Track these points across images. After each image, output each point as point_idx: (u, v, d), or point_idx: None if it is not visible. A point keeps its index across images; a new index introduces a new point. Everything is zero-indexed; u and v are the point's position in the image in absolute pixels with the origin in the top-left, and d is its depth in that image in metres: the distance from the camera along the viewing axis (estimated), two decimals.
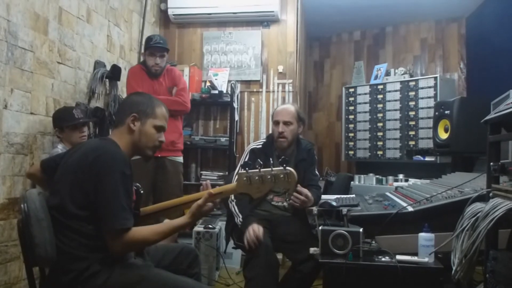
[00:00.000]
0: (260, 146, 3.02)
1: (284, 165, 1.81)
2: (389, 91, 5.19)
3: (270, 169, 1.82)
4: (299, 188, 2.69)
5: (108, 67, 4.00)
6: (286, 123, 2.92)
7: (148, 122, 1.99)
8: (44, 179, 2.10)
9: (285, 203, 3.01)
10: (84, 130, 3.15)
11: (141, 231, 1.78)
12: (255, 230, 2.59)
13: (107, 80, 4.00)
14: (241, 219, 2.73)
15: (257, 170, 1.83)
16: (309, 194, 2.73)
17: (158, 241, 1.83)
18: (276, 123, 2.95)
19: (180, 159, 3.97)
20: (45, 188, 2.11)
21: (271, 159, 2.04)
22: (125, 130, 1.98)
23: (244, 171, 1.85)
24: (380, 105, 5.27)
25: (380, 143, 5.25)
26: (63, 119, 3.07)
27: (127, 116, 1.98)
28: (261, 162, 1.85)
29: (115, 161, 1.78)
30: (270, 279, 2.53)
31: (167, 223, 1.85)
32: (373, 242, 2.26)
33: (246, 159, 2.97)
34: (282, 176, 1.80)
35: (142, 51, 3.88)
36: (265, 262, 2.53)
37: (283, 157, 1.92)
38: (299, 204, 2.71)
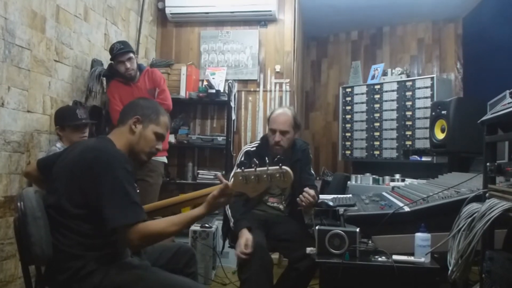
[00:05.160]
0: (254, 148, 3.01)
1: (280, 164, 1.81)
2: (386, 91, 5.20)
3: (266, 168, 1.81)
4: (307, 189, 2.68)
5: (106, 66, 3.99)
6: (283, 133, 2.90)
7: (150, 127, 1.99)
8: (40, 178, 2.09)
9: (280, 205, 3.01)
10: (85, 131, 3.14)
11: (157, 223, 1.77)
12: (244, 244, 2.55)
13: (104, 78, 4.00)
14: (232, 224, 2.73)
15: (253, 169, 1.83)
16: (315, 195, 2.71)
17: (176, 233, 1.81)
18: (273, 131, 2.92)
19: (163, 158, 3.99)
20: (42, 187, 2.11)
21: (266, 158, 2.04)
22: (125, 131, 1.98)
23: (240, 171, 1.85)
24: (377, 105, 5.27)
25: (377, 143, 5.26)
26: (66, 118, 3.07)
27: (130, 117, 1.98)
28: (257, 162, 1.85)
29: (116, 159, 1.78)
30: (265, 279, 2.53)
31: (184, 214, 1.83)
32: (370, 242, 2.26)
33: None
34: (278, 175, 1.80)
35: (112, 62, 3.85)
36: (260, 262, 2.52)
37: (278, 156, 1.91)
38: (305, 205, 2.69)
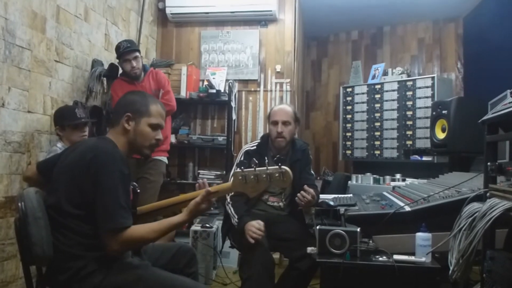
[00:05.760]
0: (255, 147, 3.01)
1: (279, 164, 1.81)
2: (387, 91, 5.19)
3: (265, 168, 1.81)
4: (306, 187, 2.68)
5: (106, 66, 4.00)
6: (284, 123, 2.91)
7: (142, 121, 1.96)
8: (40, 181, 2.07)
9: (280, 203, 3.01)
10: (85, 130, 3.14)
11: (138, 230, 1.77)
12: (255, 225, 2.57)
13: (104, 78, 4.01)
14: (236, 220, 2.73)
15: (253, 169, 1.82)
16: (314, 194, 2.71)
17: (156, 239, 1.83)
18: (274, 123, 2.93)
19: (164, 159, 4.00)
20: (43, 190, 2.10)
21: (266, 158, 2.04)
22: (120, 130, 1.96)
23: (240, 170, 1.84)
24: (377, 105, 5.27)
25: (377, 142, 5.25)
26: (65, 118, 3.06)
27: (121, 116, 1.96)
28: (257, 162, 1.85)
29: (113, 160, 1.77)
30: (266, 278, 2.53)
31: (165, 221, 1.84)
32: (371, 241, 2.26)
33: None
34: (277, 175, 1.80)
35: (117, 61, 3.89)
36: (261, 262, 2.52)
37: (278, 156, 1.91)
38: (304, 203, 2.69)
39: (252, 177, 1.82)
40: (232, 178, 1.88)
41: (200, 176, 4.82)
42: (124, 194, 1.75)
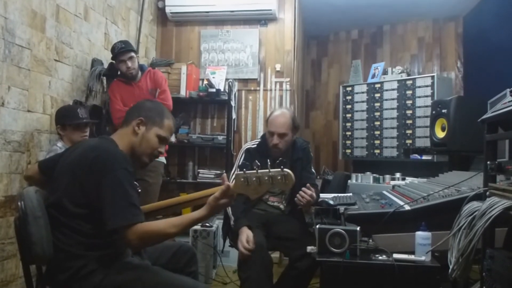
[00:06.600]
0: (255, 145, 3.01)
1: (282, 167, 1.80)
2: (387, 90, 5.20)
3: (267, 170, 1.80)
4: (304, 189, 2.68)
5: (106, 65, 3.99)
6: (280, 135, 2.88)
7: (153, 130, 1.98)
8: (42, 180, 2.07)
9: (281, 204, 3.01)
10: (86, 130, 3.14)
11: (157, 224, 1.76)
12: (246, 240, 2.57)
13: (104, 78, 4.00)
14: (233, 222, 2.74)
15: (255, 171, 1.82)
16: (313, 194, 2.71)
17: (176, 234, 1.79)
18: (271, 134, 2.91)
19: (163, 159, 4.00)
20: (44, 189, 2.09)
21: (268, 160, 2.04)
22: (129, 131, 1.97)
23: (242, 172, 1.84)
24: (377, 104, 5.27)
25: (377, 141, 5.25)
26: (67, 117, 3.07)
27: (134, 118, 1.98)
28: (259, 164, 1.84)
29: (117, 159, 1.77)
30: (265, 278, 2.53)
31: (184, 216, 1.82)
32: (370, 240, 2.26)
33: (241, 159, 2.96)
34: (279, 177, 1.79)
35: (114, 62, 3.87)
36: (259, 261, 2.53)
37: (280, 158, 1.89)
38: (303, 203, 2.69)
39: (254, 179, 1.81)
40: (234, 180, 1.87)
41: (200, 175, 4.82)
42: (131, 191, 1.74)
